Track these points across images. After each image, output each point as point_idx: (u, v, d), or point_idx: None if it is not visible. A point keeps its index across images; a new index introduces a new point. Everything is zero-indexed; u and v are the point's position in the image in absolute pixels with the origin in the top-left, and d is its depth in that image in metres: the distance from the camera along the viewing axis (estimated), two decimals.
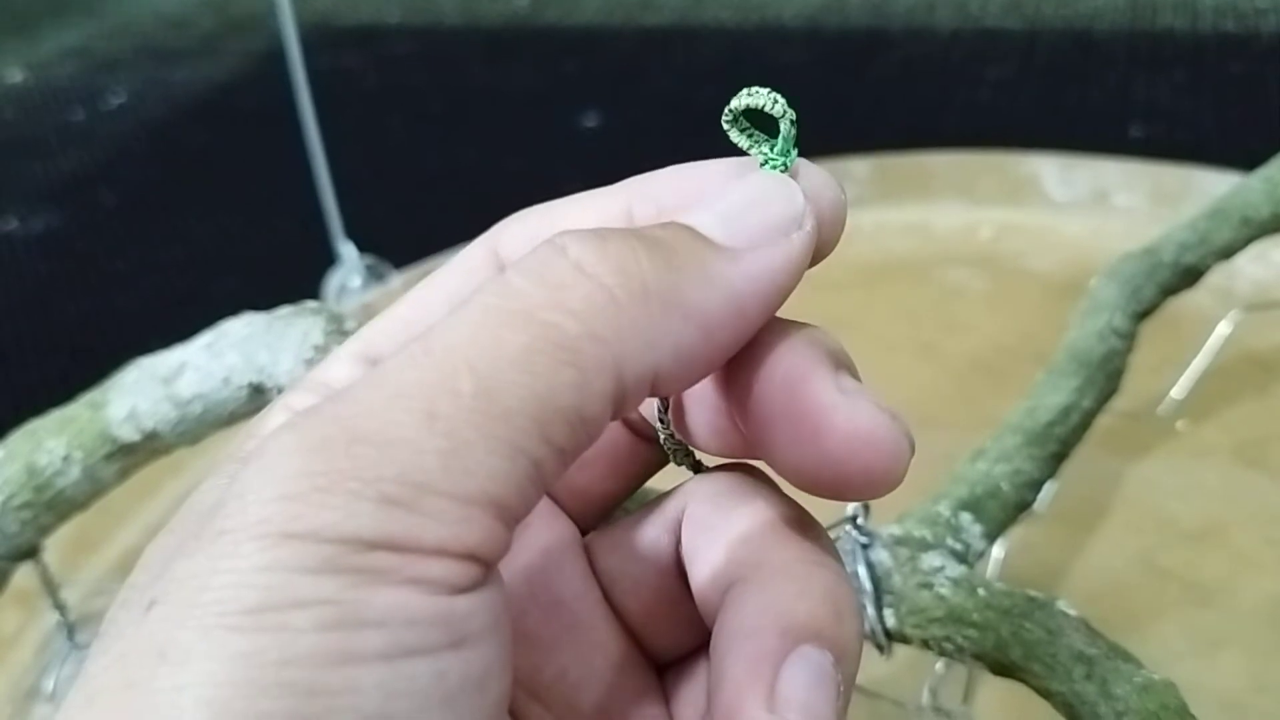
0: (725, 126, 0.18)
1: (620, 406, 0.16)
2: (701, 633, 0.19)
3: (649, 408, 0.20)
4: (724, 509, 0.19)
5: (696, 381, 0.17)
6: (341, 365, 0.19)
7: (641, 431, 0.20)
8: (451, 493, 0.14)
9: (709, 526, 0.19)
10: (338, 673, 0.13)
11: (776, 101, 0.18)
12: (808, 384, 0.17)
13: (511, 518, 0.15)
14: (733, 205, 0.17)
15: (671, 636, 0.20)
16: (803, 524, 0.18)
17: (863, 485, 0.16)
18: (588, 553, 0.20)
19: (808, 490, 0.17)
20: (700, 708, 0.19)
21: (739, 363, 0.17)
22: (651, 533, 0.19)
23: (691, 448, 0.20)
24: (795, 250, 0.17)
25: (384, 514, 0.14)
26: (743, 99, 0.18)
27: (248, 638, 0.13)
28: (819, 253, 0.18)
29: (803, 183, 0.18)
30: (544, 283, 0.16)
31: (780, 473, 0.17)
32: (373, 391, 0.15)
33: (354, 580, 0.14)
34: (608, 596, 0.20)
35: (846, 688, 0.16)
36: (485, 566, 0.15)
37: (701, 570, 0.18)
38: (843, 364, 0.17)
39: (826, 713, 0.16)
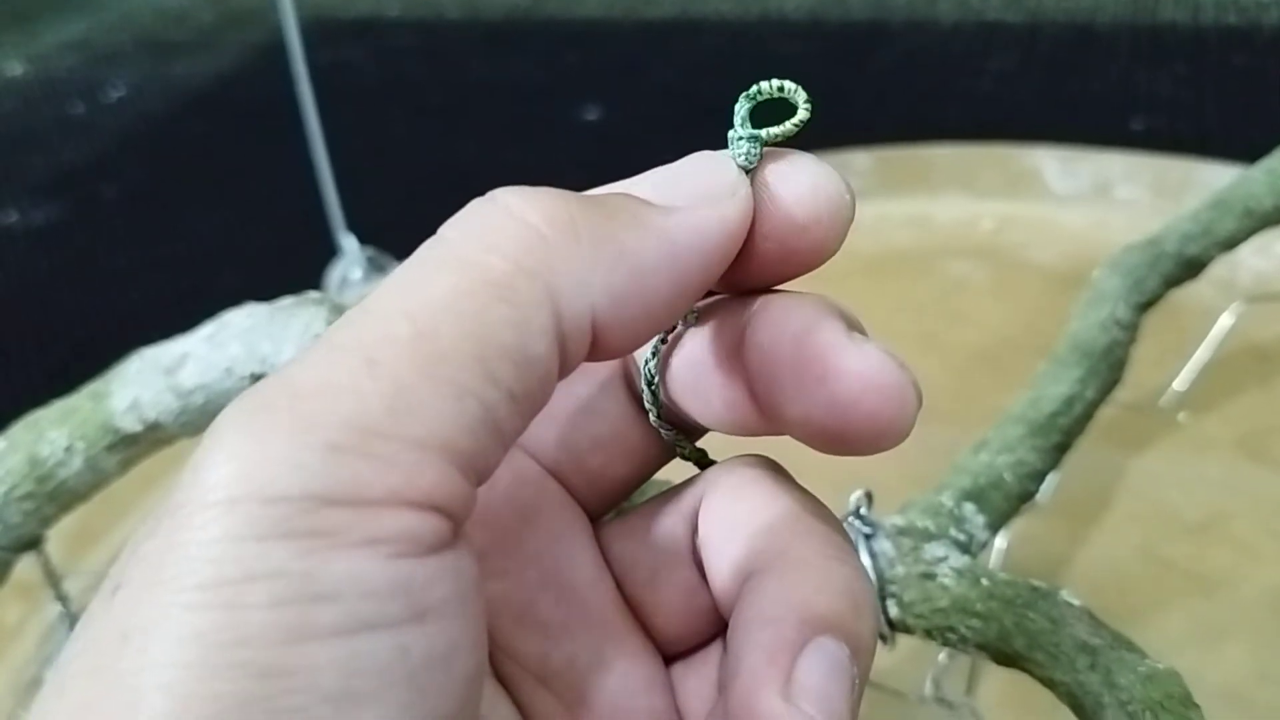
0: (737, 105, 0.18)
1: (564, 346, 0.16)
2: (713, 624, 0.19)
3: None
4: (743, 500, 0.19)
5: (642, 334, 0.17)
6: None
7: None
8: (399, 435, 0.14)
9: (728, 517, 0.18)
10: (293, 651, 0.13)
11: (797, 90, 0.18)
12: (818, 331, 0.17)
13: (468, 465, 0.15)
14: (665, 175, 0.17)
15: (683, 627, 0.19)
16: (822, 517, 0.18)
17: (870, 433, 0.16)
18: (599, 541, 0.20)
19: (816, 445, 0.17)
20: (707, 700, 0.19)
21: (753, 325, 0.17)
22: (667, 522, 0.19)
23: (686, 443, 0.20)
24: (729, 212, 0.17)
25: (331, 463, 0.14)
26: (768, 87, 0.18)
27: (203, 615, 0.13)
28: (822, 250, 0.18)
29: (794, 172, 0.18)
30: (474, 229, 0.16)
31: (789, 429, 0.17)
32: (310, 353, 0.15)
33: (306, 545, 0.13)
34: (620, 585, 0.20)
35: (861, 681, 0.16)
36: (447, 520, 0.14)
37: (720, 560, 0.18)
38: (854, 323, 0.17)
39: (841, 705, 0.16)
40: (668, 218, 0.17)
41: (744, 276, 0.18)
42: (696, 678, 0.19)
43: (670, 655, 0.20)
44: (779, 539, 0.18)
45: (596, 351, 0.16)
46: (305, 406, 0.14)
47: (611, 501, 0.21)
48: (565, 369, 0.16)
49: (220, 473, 0.14)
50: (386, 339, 0.14)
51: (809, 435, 0.17)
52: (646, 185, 0.17)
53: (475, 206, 0.16)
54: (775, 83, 0.18)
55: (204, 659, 0.13)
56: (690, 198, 0.17)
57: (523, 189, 0.16)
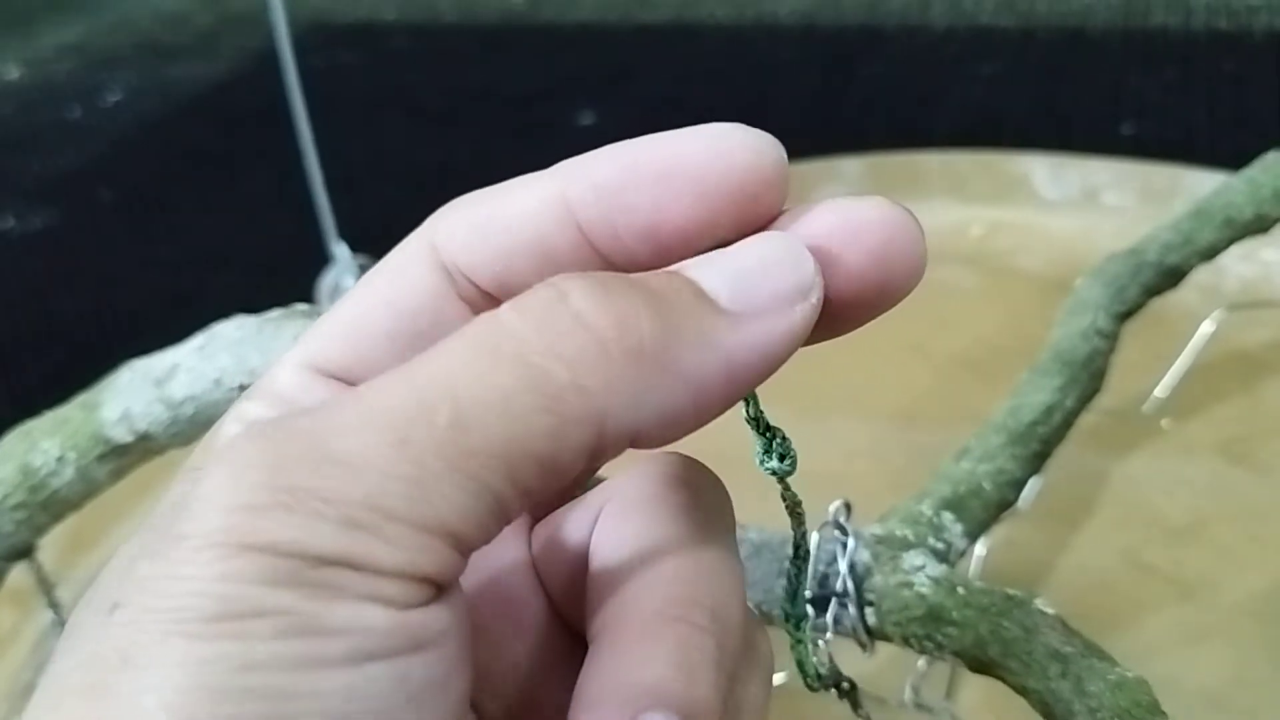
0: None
1: (596, 459, 0.16)
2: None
3: None
4: (626, 519, 0.18)
5: (676, 439, 0.17)
6: (287, 373, 0.19)
7: None
8: (412, 520, 0.14)
9: (609, 536, 0.18)
10: (300, 677, 0.14)
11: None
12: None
13: (468, 548, 0.15)
14: (742, 266, 0.17)
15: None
16: (679, 566, 0.18)
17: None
18: (529, 535, 0.20)
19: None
20: None
21: None
22: (576, 522, 0.19)
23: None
24: (798, 322, 0.17)
25: (345, 535, 0.14)
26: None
27: (208, 645, 0.13)
28: (892, 295, 0.18)
29: (864, 229, 0.17)
30: (541, 327, 0.15)
31: None
32: (348, 411, 0.15)
33: (312, 593, 0.14)
34: (544, 587, 0.20)
35: None
36: (438, 588, 0.15)
37: (593, 583, 0.18)
38: None
39: None
40: (736, 333, 0.16)
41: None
42: None
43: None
44: (631, 585, 0.17)
45: (629, 447, 0.16)
46: (331, 473, 0.14)
47: (550, 508, 0.21)
48: (592, 470, 0.16)
49: (234, 518, 0.14)
50: (424, 421, 0.15)
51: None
52: (715, 276, 0.17)
53: (544, 298, 0.16)
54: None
55: (209, 683, 0.13)
56: (766, 297, 0.16)
57: (594, 283, 0.16)
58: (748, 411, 0.19)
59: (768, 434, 0.19)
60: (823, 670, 0.30)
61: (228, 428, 0.18)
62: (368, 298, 0.19)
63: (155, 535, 0.15)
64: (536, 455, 0.15)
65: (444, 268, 0.19)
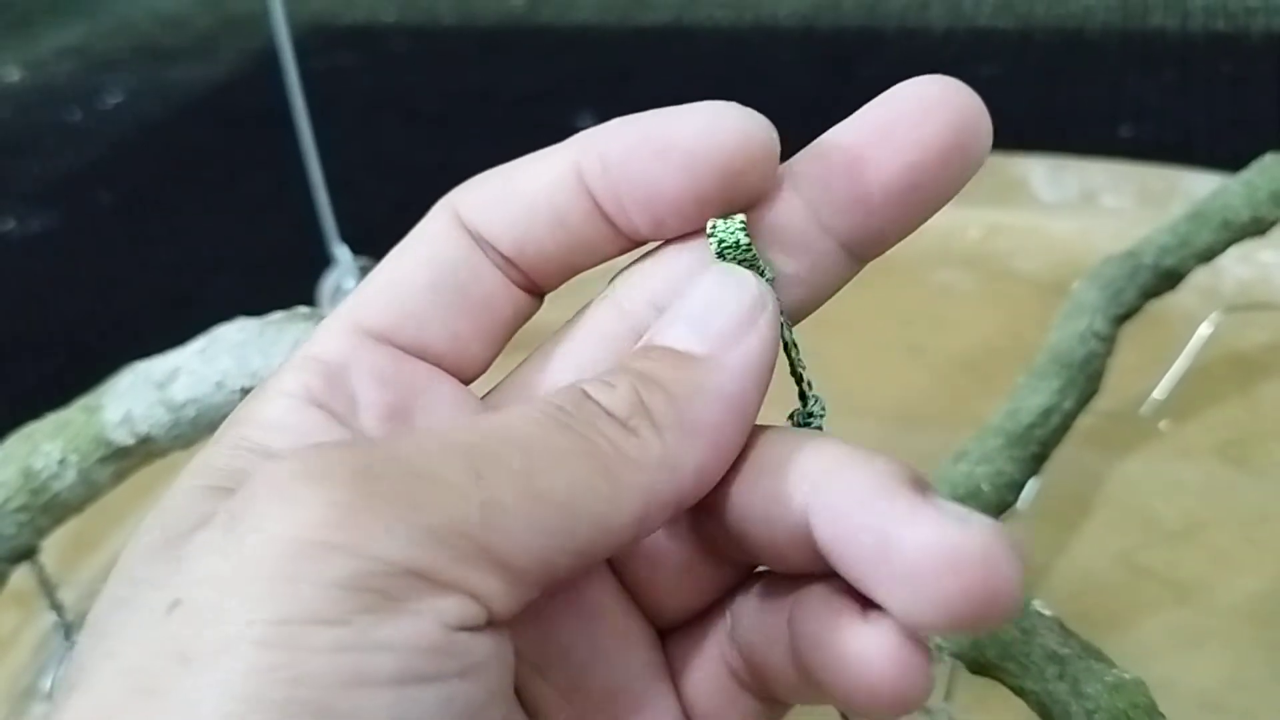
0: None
1: (643, 530, 0.17)
2: (709, 594, 0.20)
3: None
4: (742, 453, 0.18)
5: (707, 490, 0.18)
6: (331, 339, 0.19)
7: None
8: (484, 544, 0.15)
9: (734, 468, 0.18)
10: (348, 694, 0.14)
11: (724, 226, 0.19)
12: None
13: (523, 590, 0.16)
14: (696, 314, 0.18)
15: (679, 601, 0.20)
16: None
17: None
18: None
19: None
20: (705, 671, 0.19)
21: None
22: None
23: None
24: (764, 334, 0.18)
25: (424, 543, 0.15)
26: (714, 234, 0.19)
27: (267, 652, 0.14)
28: (958, 175, 0.19)
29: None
30: (582, 412, 0.17)
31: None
32: (429, 440, 0.16)
33: (375, 601, 0.14)
34: (613, 566, 0.20)
35: None
36: (492, 617, 0.15)
37: (752, 504, 0.18)
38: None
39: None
40: (722, 371, 0.18)
41: None
42: (693, 650, 0.20)
43: (666, 632, 0.20)
44: (808, 458, 0.17)
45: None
46: (416, 486, 0.15)
47: None
48: (639, 539, 0.17)
49: (318, 513, 0.14)
50: (498, 462, 0.16)
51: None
52: (681, 329, 0.18)
53: (575, 396, 0.17)
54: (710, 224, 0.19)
55: (262, 694, 0.13)
56: (730, 327, 0.18)
57: (598, 383, 0.17)
58: (791, 359, 0.20)
59: (808, 393, 0.20)
60: None
61: (269, 403, 0.19)
62: (404, 259, 0.20)
63: (220, 526, 0.15)
64: (593, 517, 0.16)
65: (469, 233, 0.20)
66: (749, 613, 0.19)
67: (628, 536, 0.17)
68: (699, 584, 0.20)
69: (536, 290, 0.20)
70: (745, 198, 0.19)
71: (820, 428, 0.20)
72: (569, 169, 0.19)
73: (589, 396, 0.17)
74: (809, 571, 0.17)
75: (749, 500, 0.18)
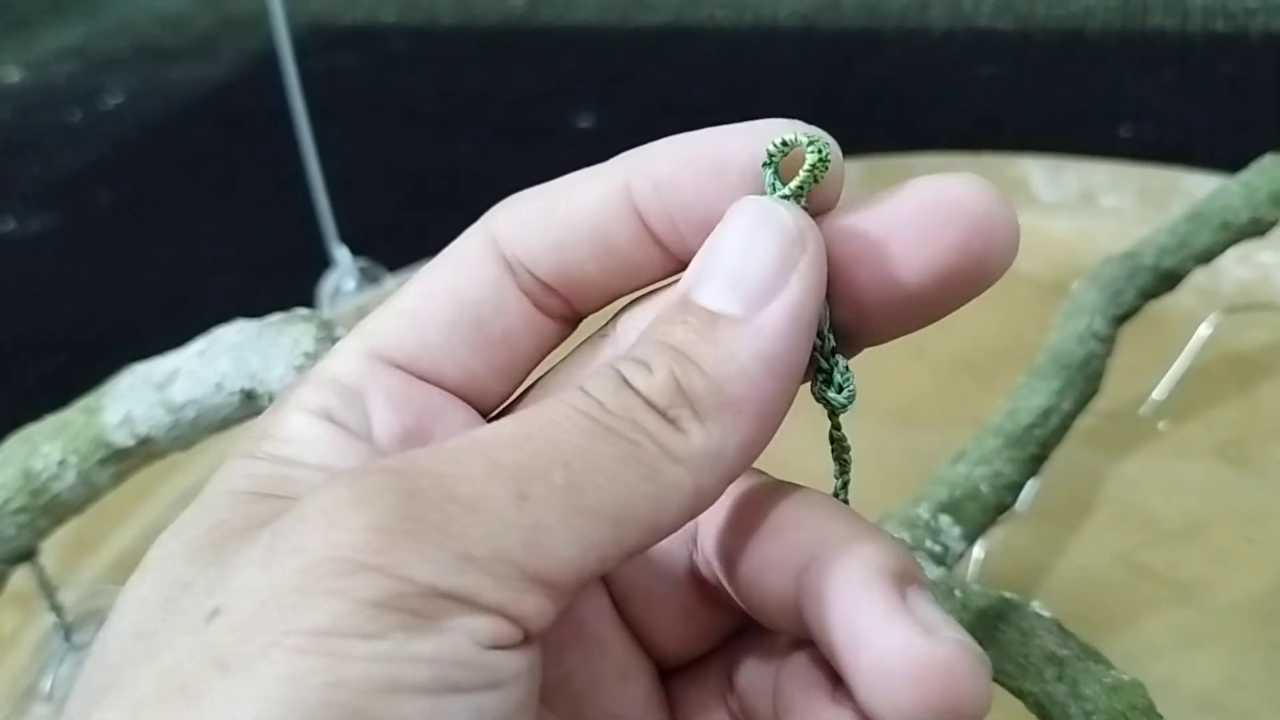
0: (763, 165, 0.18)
1: (694, 515, 0.17)
2: (711, 636, 0.20)
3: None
4: (746, 508, 0.19)
5: (757, 457, 0.17)
6: (349, 361, 0.19)
7: None
8: (522, 566, 0.15)
9: (739, 525, 0.19)
10: (382, 701, 0.14)
11: (813, 142, 0.18)
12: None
13: (563, 601, 0.16)
14: (732, 263, 0.17)
15: (682, 642, 0.20)
16: (824, 498, 0.19)
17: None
18: None
19: None
20: (708, 710, 0.20)
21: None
22: (664, 543, 0.19)
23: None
24: (806, 279, 0.17)
25: (458, 569, 0.15)
26: (781, 135, 0.18)
27: (305, 659, 0.14)
28: (984, 279, 0.17)
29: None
30: (619, 407, 0.16)
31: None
32: (471, 460, 0.16)
33: (412, 621, 0.14)
34: (616, 604, 0.20)
35: None
36: (527, 634, 0.16)
37: (751, 566, 0.18)
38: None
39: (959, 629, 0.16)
40: (759, 334, 0.17)
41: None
42: (696, 689, 0.20)
43: (667, 670, 0.20)
44: (807, 529, 0.18)
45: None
46: (456, 513, 0.15)
47: None
48: (695, 516, 0.17)
49: (359, 537, 0.15)
50: (541, 479, 0.16)
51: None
52: (716, 286, 0.17)
53: (613, 382, 0.17)
54: (781, 136, 0.18)
55: (299, 697, 0.14)
56: (766, 278, 0.17)
57: (637, 362, 0.17)
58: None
59: (831, 360, 0.19)
60: None
61: (291, 417, 0.19)
62: (429, 286, 0.19)
63: (264, 545, 0.15)
64: (641, 520, 0.16)
65: (504, 259, 0.19)
66: (747, 661, 0.19)
67: (676, 528, 0.17)
68: (699, 628, 0.20)
69: (573, 315, 0.20)
70: (811, 214, 0.18)
71: (849, 400, 0.19)
72: (616, 189, 0.19)
73: (627, 383, 0.17)
74: (797, 637, 0.18)
75: (749, 561, 0.18)
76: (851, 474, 0.21)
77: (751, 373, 0.17)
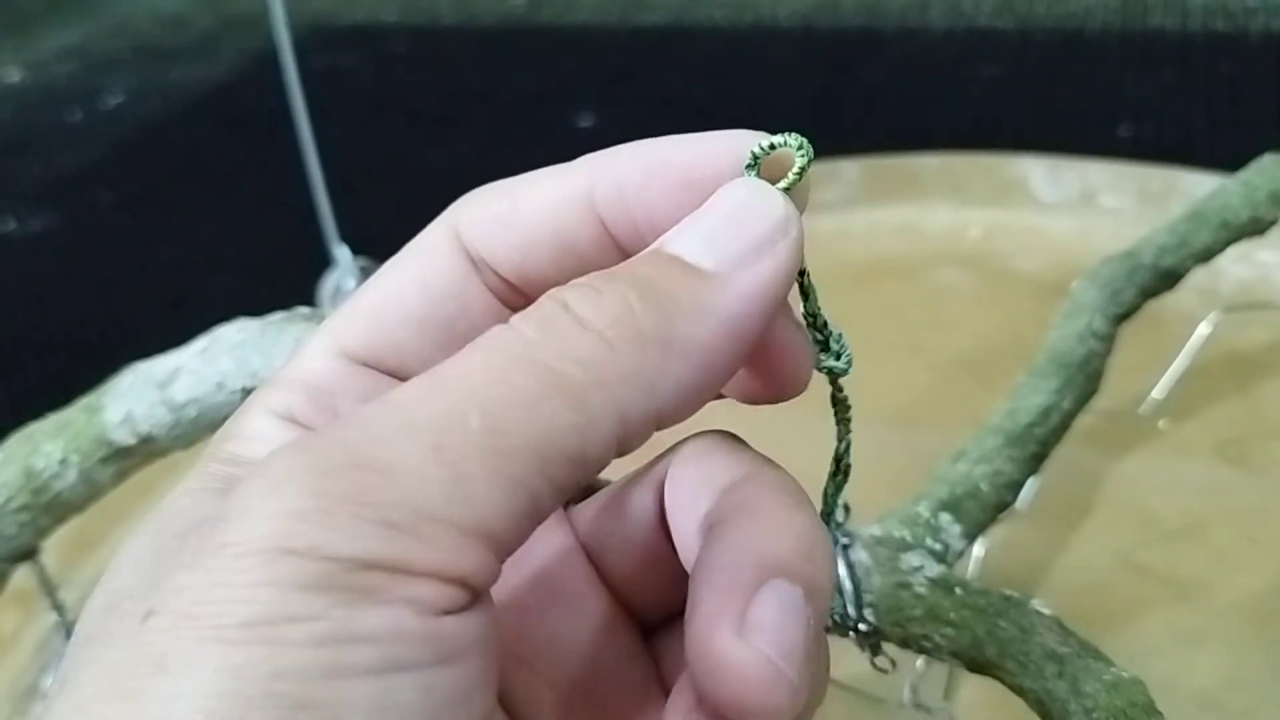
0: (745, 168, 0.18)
1: (624, 447, 0.16)
2: (685, 591, 0.20)
3: None
4: (705, 464, 0.19)
5: (697, 410, 0.17)
6: (316, 360, 0.19)
7: None
8: (450, 521, 0.15)
9: (691, 480, 0.19)
10: (327, 687, 0.14)
11: (800, 146, 0.18)
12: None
13: (503, 550, 0.15)
14: (715, 225, 0.17)
15: (659, 596, 0.20)
16: (778, 473, 0.19)
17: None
18: (570, 522, 0.21)
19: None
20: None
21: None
22: (636, 496, 0.20)
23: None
24: (783, 260, 0.17)
25: (382, 537, 0.14)
26: (765, 142, 0.18)
27: (241, 650, 0.14)
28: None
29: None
30: (550, 334, 0.16)
31: None
32: (382, 420, 0.15)
33: (347, 597, 0.14)
34: (593, 562, 0.20)
35: (816, 624, 0.17)
36: (474, 592, 0.15)
37: (684, 521, 0.19)
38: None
39: (796, 643, 0.16)
40: (727, 291, 0.17)
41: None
42: (676, 644, 0.20)
43: (649, 625, 0.21)
44: (738, 493, 0.18)
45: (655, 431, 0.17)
46: (369, 479, 0.15)
47: (586, 491, 0.21)
48: (619, 456, 0.17)
49: (273, 524, 0.14)
50: (458, 428, 0.15)
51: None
52: (694, 240, 0.17)
53: (548, 309, 0.17)
54: (768, 140, 0.18)
55: (241, 690, 0.14)
56: (746, 246, 0.17)
57: (586, 289, 0.17)
58: (805, 308, 0.19)
59: (825, 331, 0.19)
60: (840, 615, 0.30)
61: (253, 419, 0.19)
62: (394, 284, 0.19)
63: (192, 546, 0.15)
64: (566, 452, 0.16)
65: (468, 255, 0.19)
66: None
67: (608, 459, 0.16)
68: (676, 582, 0.20)
69: None
70: None
71: (848, 364, 0.20)
72: (580, 193, 0.18)
73: (567, 308, 0.16)
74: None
75: (678, 515, 0.19)
76: (852, 475, 0.21)
77: (709, 323, 0.17)
